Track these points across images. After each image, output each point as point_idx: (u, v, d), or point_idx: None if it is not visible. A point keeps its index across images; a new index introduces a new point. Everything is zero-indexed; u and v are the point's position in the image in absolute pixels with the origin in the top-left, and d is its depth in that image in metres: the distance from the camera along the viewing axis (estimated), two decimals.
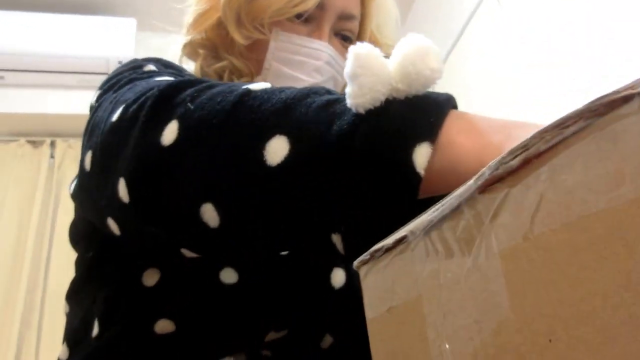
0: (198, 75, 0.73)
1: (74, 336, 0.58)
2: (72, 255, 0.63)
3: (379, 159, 0.35)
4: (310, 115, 0.39)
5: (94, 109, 0.56)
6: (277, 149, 0.38)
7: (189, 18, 0.77)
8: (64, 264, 2.16)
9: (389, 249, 0.29)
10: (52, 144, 2.44)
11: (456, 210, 0.24)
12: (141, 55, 0.69)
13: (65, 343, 0.60)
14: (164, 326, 0.51)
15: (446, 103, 0.37)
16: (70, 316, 0.62)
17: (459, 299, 0.23)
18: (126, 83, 0.55)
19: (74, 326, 0.59)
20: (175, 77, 0.55)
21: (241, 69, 0.73)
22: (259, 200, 0.39)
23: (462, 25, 2.08)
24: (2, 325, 2.04)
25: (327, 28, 0.72)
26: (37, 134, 2.43)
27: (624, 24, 1.28)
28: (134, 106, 0.47)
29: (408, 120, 0.36)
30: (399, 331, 0.28)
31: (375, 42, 0.76)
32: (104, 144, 0.48)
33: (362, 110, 0.37)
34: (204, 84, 0.46)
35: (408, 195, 0.34)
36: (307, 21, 0.72)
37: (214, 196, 0.41)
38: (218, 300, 0.52)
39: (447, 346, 0.23)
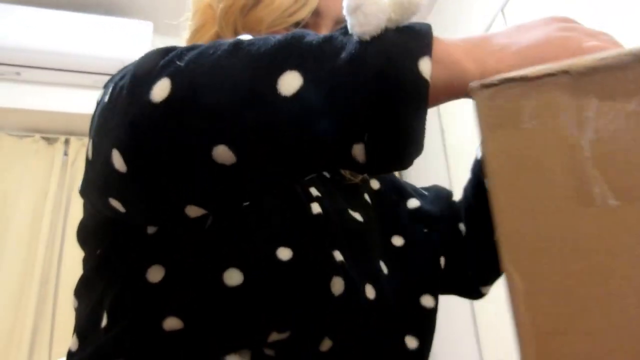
0: None
1: (84, 329, 0.60)
2: None
3: (390, 72, 0.38)
4: (316, 50, 0.41)
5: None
6: (290, 83, 0.40)
7: (186, 34, 0.76)
8: (76, 257, 2.17)
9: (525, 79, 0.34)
10: (66, 142, 2.47)
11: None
12: None
13: (75, 335, 0.61)
14: (172, 324, 0.51)
15: (430, 29, 0.42)
16: (79, 311, 0.63)
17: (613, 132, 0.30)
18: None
19: (82, 319, 0.60)
20: None
21: None
22: (278, 130, 0.40)
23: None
24: (16, 316, 2.08)
25: (324, 32, 0.70)
26: (51, 131, 2.46)
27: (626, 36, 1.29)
28: (121, 81, 0.46)
29: (408, 42, 0.40)
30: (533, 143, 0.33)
31: None
32: (98, 125, 0.48)
33: (367, 37, 0.40)
34: (189, 46, 0.45)
35: (418, 101, 0.38)
36: (305, 29, 0.72)
37: (227, 137, 0.41)
38: (222, 298, 0.52)
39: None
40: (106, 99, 0.47)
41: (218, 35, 0.73)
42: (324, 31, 0.70)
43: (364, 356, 0.59)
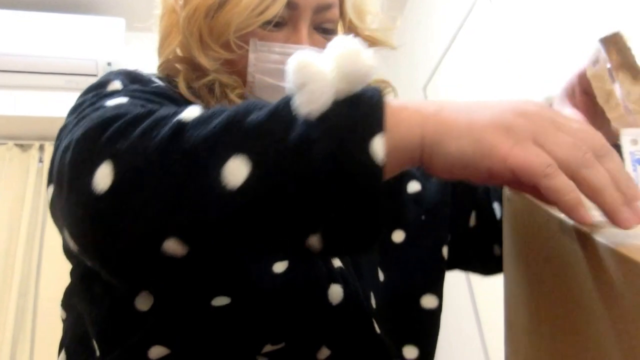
0: (184, 91, 0.67)
1: (71, 347, 0.58)
2: (62, 258, 0.62)
3: (341, 158, 0.36)
4: (262, 129, 0.38)
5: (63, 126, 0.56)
6: (235, 171, 0.37)
7: (157, 42, 0.74)
8: (55, 267, 2.16)
9: None
10: (41, 148, 2.43)
11: None
12: (130, 55, 0.68)
13: (64, 351, 0.59)
14: (158, 352, 0.51)
15: (380, 94, 0.39)
16: (66, 324, 0.61)
17: None
18: (86, 108, 0.53)
19: (69, 333, 0.59)
20: (133, 96, 0.54)
21: (229, 83, 0.68)
22: (227, 224, 0.38)
23: (454, 32, 2.10)
24: None
25: (304, 28, 0.68)
26: (25, 137, 2.42)
27: (622, 25, 1.29)
28: (66, 152, 0.44)
29: (358, 120, 0.38)
30: None
31: (354, 29, 0.75)
32: (51, 198, 0.47)
33: (315, 115, 0.38)
34: (129, 117, 0.43)
35: (373, 187, 0.36)
36: (282, 25, 0.68)
37: (177, 231, 0.39)
38: (212, 322, 0.51)
39: None
40: (54, 168, 0.46)
41: (184, 45, 0.70)
42: (303, 25, 0.68)
43: None
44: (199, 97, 0.67)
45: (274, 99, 0.62)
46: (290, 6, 0.66)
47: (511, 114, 0.37)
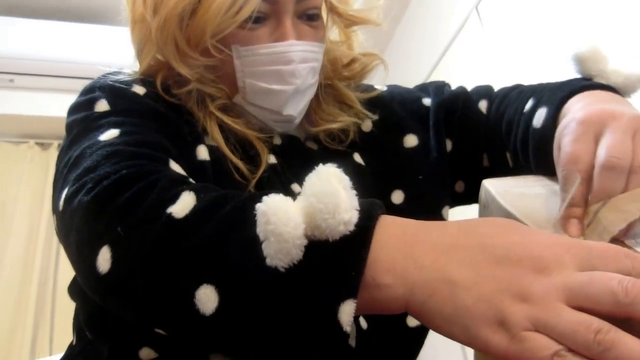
0: (167, 98, 0.64)
1: (84, 335, 0.61)
2: None
3: (307, 317, 0.36)
4: (234, 262, 0.39)
5: (61, 149, 0.59)
6: (206, 300, 0.39)
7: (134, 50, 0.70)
8: None
9: None
10: (60, 147, 2.50)
11: None
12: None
13: (75, 333, 0.64)
14: (147, 353, 0.53)
15: (363, 243, 0.37)
16: (76, 309, 0.64)
17: None
18: (78, 136, 0.56)
19: (79, 322, 0.62)
20: (122, 125, 0.55)
21: (212, 93, 0.65)
22: (199, 344, 0.41)
23: (448, 42, 2.10)
24: (18, 315, 2.13)
25: (287, 22, 0.63)
26: (45, 136, 2.50)
27: (610, 45, 1.30)
28: (66, 211, 0.48)
29: (329, 277, 0.36)
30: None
31: (336, 10, 0.71)
32: (58, 229, 0.52)
33: (281, 269, 0.37)
34: (128, 194, 0.45)
35: (338, 348, 0.36)
36: (264, 20, 0.63)
37: (152, 341, 0.46)
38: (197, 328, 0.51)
39: None
40: (59, 206, 0.50)
41: (151, 66, 0.67)
42: (286, 18, 0.63)
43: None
44: (181, 101, 0.65)
45: (268, 103, 0.65)
46: (270, 1, 0.62)
47: (506, 296, 0.33)
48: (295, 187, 0.64)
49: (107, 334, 0.56)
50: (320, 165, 0.39)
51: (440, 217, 0.70)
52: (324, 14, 0.70)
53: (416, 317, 0.36)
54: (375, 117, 0.75)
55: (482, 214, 0.57)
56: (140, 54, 0.68)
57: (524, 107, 0.64)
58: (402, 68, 2.43)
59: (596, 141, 0.47)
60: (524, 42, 1.64)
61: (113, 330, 0.55)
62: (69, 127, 0.60)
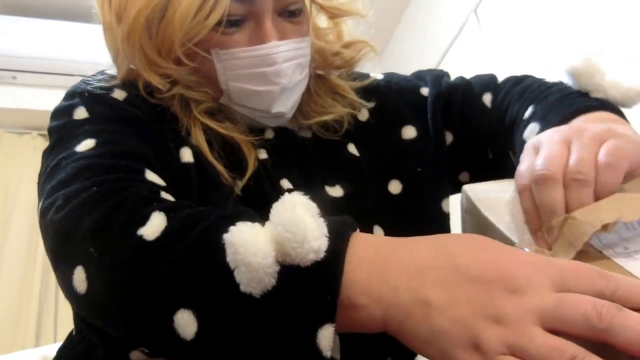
0: (149, 99, 0.62)
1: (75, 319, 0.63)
2: None
3: (286, 343, 0.36)
4: (210, 288, 0.38)
5: (43, 152, 0.59)
6: (185, 325, 0.38)
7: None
8: None
9: None
10: None
11: None
12: None
13: (74, 325, 0.64)
14: (138, 356, 0.51)
15: (336, 267, 0.36)
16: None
17: None
18: (57, 143, 0.56)
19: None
20: (100, 134, 0.55)
21: (196, 98, 0.63)
22: None
23: (447, 45, 2.10)
24: (22, 302, 2.19)
25: (267, 22, 0.60)
26: (46, 129, 2.53)
27: (607, 48, 1.31)
28: (44, 222, 0.48)
29: (304, 302, 0.36)
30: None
31: (318, 2, 0.70)
32: (45, 243, 0.50)
33: (256, 296, 0.36)
34: (98, 214, 0.44)
35: None
36: (242, 24, 0.60)
37: (143, 346, 0.44)
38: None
39: None
40: (39, 212, 0.50)
41: (131, 70, 0.64)
42: (265, 19, 0.60)
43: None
44: (165, 103, 0.63)
45: (256, 104, 0.63)
46: (246, 1, 0.59)
47: (480, 319, 0.33)
48: (284, 182, 0.63)
49: (95, 328, 0.56)
50: (286, 194, 0.39)
51: (439, 209, 0.69)
52: (307, 1, 0.67)
53: (394, 335, 0.36)
54: (371, 105, 0.73)
55: (463, 218, 0.56)
56: (115, 61, 0.66)
57: (524, 112, 0.63)
58: (401, 71, 2.42)
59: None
60: (522, 45, 1.63)
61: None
62: (50, 132, 0.60)
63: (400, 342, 0.36)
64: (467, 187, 0.55)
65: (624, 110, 0.59)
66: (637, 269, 0.37)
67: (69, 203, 0.46)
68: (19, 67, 2.32)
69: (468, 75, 0.78)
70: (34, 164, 2.40)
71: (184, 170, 0.59)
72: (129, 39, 0.59)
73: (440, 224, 0.69)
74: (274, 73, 0.61)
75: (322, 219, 0.38)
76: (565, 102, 0.58)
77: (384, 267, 0.37)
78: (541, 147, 0.46)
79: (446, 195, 0.71)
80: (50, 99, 2.41)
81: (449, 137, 0.73)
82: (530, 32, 1.61)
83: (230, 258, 0.37)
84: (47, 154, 0.57)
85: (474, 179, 0.74)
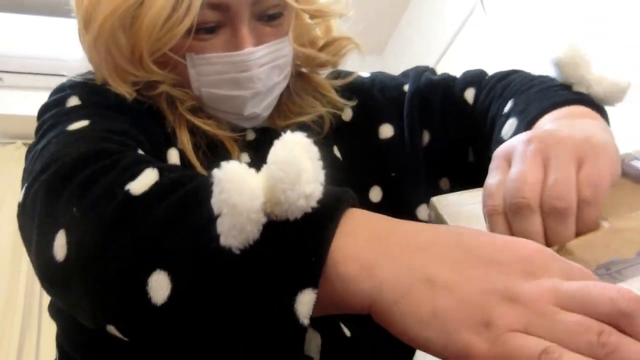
0: (138, 97, 0.62)
1: (58, 344, 0.62)
2: None
3: (260, 307, 0.33)
4: (187, 244, 0.35)
5: (28, 149, 0.57)
6: (158, 287, 0.35)
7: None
8: None
9: None
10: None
11: None
12: None
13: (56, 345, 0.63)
14: None
15: (327, 224, 0.34)
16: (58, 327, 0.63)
17: None
18: (47, 131, 0.54)
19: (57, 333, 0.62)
20: (93, 116, 0.54)
21: (179, 97, 0.63)
22: (151, 336, 0.38)
23: (452, 35, 2.12)
24: (4, 324, 2.09)
25: (243, 28, 0.59)
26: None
27: (606, 43, 1.32)
28: (28, 197, 0.46)
29: (286, 263, 0.33)
30: None
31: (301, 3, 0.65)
32: (20, 226, 0.49)
33: (236, 250, 0.33)
34: (89, 171, 0.43)
35: (294, 343, 0.33)
36: (217, 30, 0.60)
37: (116, 321, 0.39)
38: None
39: None
40: (20, 198, 0.48)
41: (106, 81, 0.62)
42: (242, 25, 0.59)
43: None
44: (153, 101, 0.63)
45: (228, 107, 0.63)
46: (222, 8, 0.57)
47: (493, 297, 0.30)
48: None
49: (82, 349, 0.56)
50: (288, 132, 0.35)
51: (414, 217, 0.67)
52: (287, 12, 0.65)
53: (379, 320, 0.32)
54: (353, 103, 0.72)
55: None
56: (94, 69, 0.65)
57: (504, 108, 0.61)
58: (407, 61, 2.46)
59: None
60: (529, 33, 1.66)
61: (87, 346, 0.54)
62: (39, 127, 0.57)
63: (383, 326, 0.32)
64: (434, 199, 0.52)
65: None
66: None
67: (56, 163, 0.45)
68: (5, 67, 2.22)
69: (474, 64, 0.76)
70: (18, 176, 2.37)
71: None
72: (96, 45, 0.59)
73: None
74: (248, 79, 0.62)
75: (320, 163, 0.35)
76: (545, 95, 0.57)
77: (384, 238, 0.34)
78: (513, 160, 0.42)
79: (422, 202, 0.68)
80: (39, 102, 2.38)
81: (425, 137, 0.71)
82: (537, 21, 1.64)
83: (215, 199, 0.33)
84: (35, 143, 0.55)
85: (455, 187, 0.69)
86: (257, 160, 0.63)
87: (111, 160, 0.43)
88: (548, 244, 0.39)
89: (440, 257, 0.32)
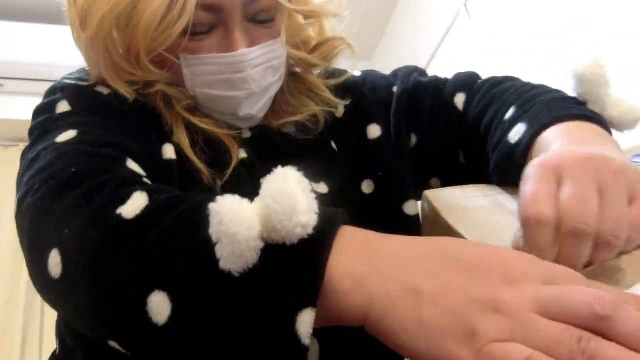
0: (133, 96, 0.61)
1: (58, 335, 0.62)
2: None
3: (262, 328, 0.34)
4: (186, 267, 0.36)
5: (22, 153, 0.57)
6: (159, 308, 0.36)
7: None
8: None
9: None
10: None
11: None
12: None
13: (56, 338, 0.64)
14: None
15: (323, 247, 0.35)
16: (58, 318, 0.64)
17: None
18: (37, 138, 0.55)
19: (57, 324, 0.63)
20: (81, 125, 0.54)
21: (175, 96, 0.63)
22: (153, 352, 0.39)
23: (438, 39, 2.14)
24: (7, 319, 2.13)
25: (236, 30, 0.60)
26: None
27: (595, 40, 1.34)
28: (19, 212, 0.47)
29: (285, 284, 0.33)
30: None
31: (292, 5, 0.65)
32: (17, 233, 0.49)
33: (235, 274, 0.34)
34: (79, 191, 0.43)
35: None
36: (210, 31, 0.60)
37: (116, 339, 0.40)
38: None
39: None
40: (15, 208, 0.48)
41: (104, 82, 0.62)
42: (234, 27, 0.60)
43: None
44: (148, 99, 0.63)
45: (223, 108, 0.64)
46: (214, 10, 0.58)
47: (476, 307, 0.31)
48: None
49: (84, 340, 0.56)
50: (279, 167, 0.37)
51: (402, 212, 0.68)
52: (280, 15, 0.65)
53: (373, 332, 0.34)
54: (347, 102, 0.73)
55: (424, 226, 0.54)
56: (87, 63, 0.65)
57: (504, 115, 0.60)
58: (394, 65, 2.43)
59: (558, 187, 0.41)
60: (512, 37, 1.67)
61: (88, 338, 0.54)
62: (31, 131, 0.59)
63: (377, 338, 0.34)
64: (428, 193, 0.52)
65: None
66: None
67: (46, 184, 0.45)
68: (6, 74, 2.27)
69: (460, 69, 0.75)
70: None
71: (166, 166, 0.59)
72: (93, 44, 0.59)
73: (407, 230, 0.66)
74: (242, 80, 0.62)
75: (313, 195, 0.36)
76: (560, 106, 0.55)
77: (374, 255, 0.35)
78: (569, 178, 0.40)
79: (409, 198, 0.69)
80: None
81: (413, 139, 0.72)
82: (521, 25, 1.65)
83: (213, 229, 0.34)
84: (27, 150, 0.56)
85: (445, 186, 0.69)
86: (254, 158, 0.64)
87: (98, 181, 0.44)
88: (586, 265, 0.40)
89: (427, 268, 0.33)
